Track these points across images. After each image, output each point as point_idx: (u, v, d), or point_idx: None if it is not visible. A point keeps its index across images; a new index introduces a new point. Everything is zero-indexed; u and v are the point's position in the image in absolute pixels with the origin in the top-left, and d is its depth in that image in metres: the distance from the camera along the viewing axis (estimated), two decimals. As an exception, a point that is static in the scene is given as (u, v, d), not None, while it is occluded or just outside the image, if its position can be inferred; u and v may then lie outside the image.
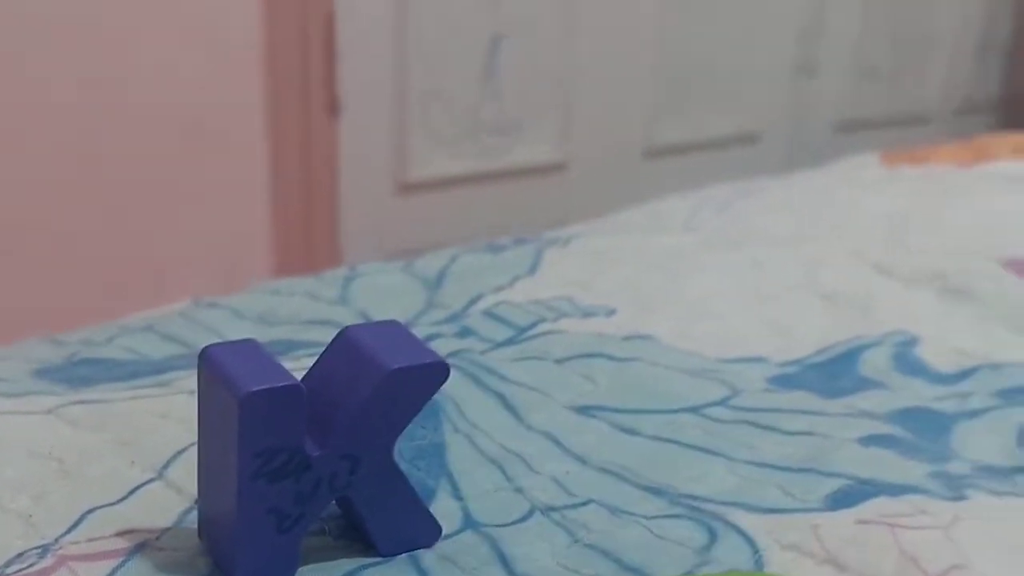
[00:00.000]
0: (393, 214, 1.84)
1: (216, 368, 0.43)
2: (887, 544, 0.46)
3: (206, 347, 0.44)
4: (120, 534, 0.44)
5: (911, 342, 0.68)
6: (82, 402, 0.54)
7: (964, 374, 0.65)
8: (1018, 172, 0.97)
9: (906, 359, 0.66)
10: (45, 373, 0.58)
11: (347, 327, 0.46)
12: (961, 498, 0.51)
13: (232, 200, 1.65)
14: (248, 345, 0.45)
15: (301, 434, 0.43)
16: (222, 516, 0.43)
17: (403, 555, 0.45)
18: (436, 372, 0.45)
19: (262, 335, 0.64)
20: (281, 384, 0.42)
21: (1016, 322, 0.71)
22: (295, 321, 0.66)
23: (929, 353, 0.67)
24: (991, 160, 1.03)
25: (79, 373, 0.59)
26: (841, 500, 0.50)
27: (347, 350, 0.46)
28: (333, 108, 1.71)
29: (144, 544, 0.44)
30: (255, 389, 0.42)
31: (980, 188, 0.93)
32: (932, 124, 2.49)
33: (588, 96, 1.98)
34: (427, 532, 0.46)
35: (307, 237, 1.74)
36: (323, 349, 0.47)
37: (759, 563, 0.46)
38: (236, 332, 0.65)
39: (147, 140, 1.51)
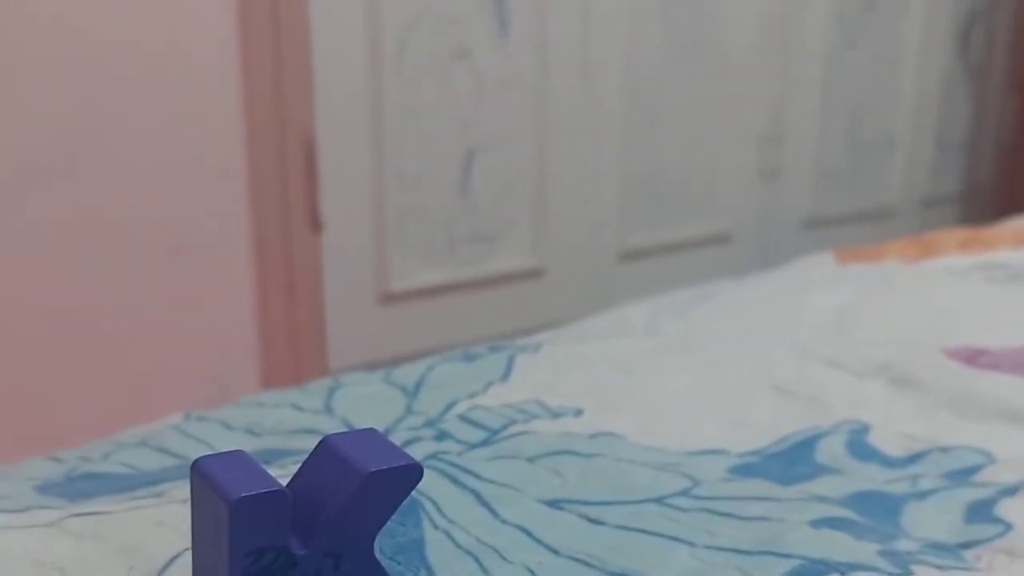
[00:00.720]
0: (377, 324, 1.88)
1: (207, 477, 0.46)
2: (836, 618, 0.49)
3: (197, 458, 0.47)
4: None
5: (863, 430, 0.72)
6: (81, 514, 0.57)
7: (914, 458, 0.69)
8: (961, 266, 1.02)
9: (859, 446, 0.70)
10: (46, 489, 0.61)
11: (327, 435, 0.50)
12: (907, 574, 0.54)
13: (219, 316, 1.68)
14: (236, 455, 0.48)
15: (287, 535, 0.46)
16: (216, 615, 0.46)
17: (386, 645, 0.48)
18: (410, 473, 0.48)
19: (250, 445, 0.67)
20: (267, 490, 0.45)
21: (961, 407, 0.74)
22: (281, 431, 0.69)
23: (880, 439, 0.71)
24: (938, 255, 1.07)
25: (78, 488, 0.62)
26: (794, 579, 0.53)
27: (328, 456, 0.49)
28: (315, 225, 1.75)
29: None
30: (243, 495, 0.45)
31: (925, 283, 0.98)
32: (896, 218, 2.55)
33: (562, 204, 2.04)
34: (408, 623, 0.49)
35: (293, 349, 1.77)
36: (303, 458, 0.50)
37: (719, 640, 0.49)
38: (225, 443, 0.68)
39: (136, 261, 1.55)
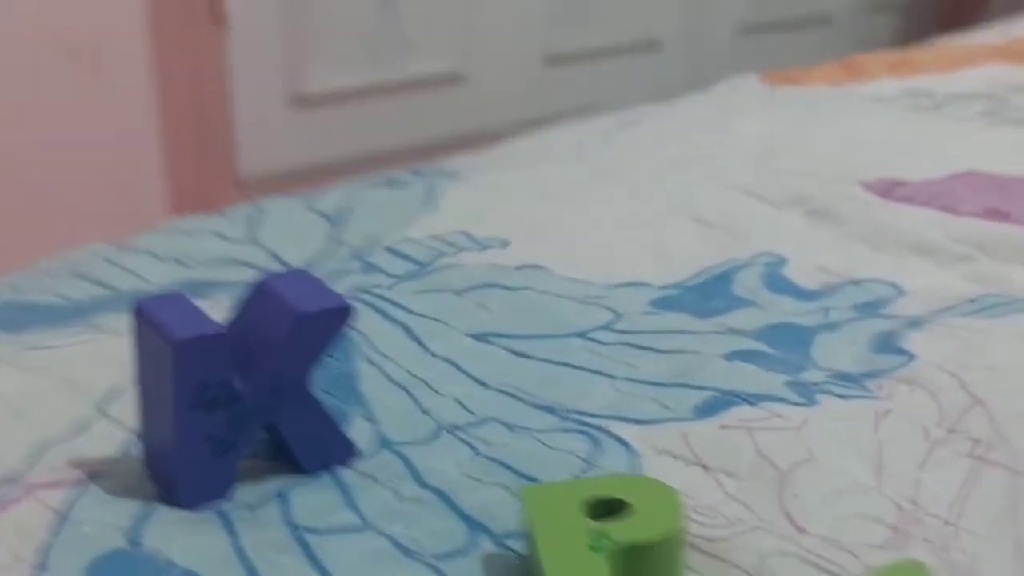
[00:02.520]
0: (289, 129, 1.89)
1: (150, 319, 0.51)
2: (745, 445, 0.57)
3: (139, 301, 0.52)
4: (75, 465, 0.53)
5: (779, 262, 0.78)
6: (23, 347, 0.62)
7: (827, 290, 0.76)
8: (887, 92, 1.07)
9: (775, 278, 0.77)
10: (-18, 320, 0.66)
11: (265, 277, 0.55)
12: (812, 403, 0.61)
13: (121, 121, 1.69)
14: (175, 298, 0.53)
15: (228, 371, 0.52)
16: (163, 445, 0.52)
17: (327, 473, 0.54)
18: (341, 313, 0.54)
19: (180, 275, 0.72)
20: (208, 332, 0.51)
21: (875, 240, 0.81)
22: (209, 262, 0.74)
23: (795, 272, 0.77)
24: (865, 79, 1.13)
25: (14, 319, 0.66)
26: (707, 410, 0.60)
27: (265, 297, 0.54)
28: (219, 20, 1.73)
29: (97, 473, 0.53)
30: (185, 337, 0.50)
31: (849, 110, 1.03)
32: (834, 25, 2.59)
33: (485, 4, 2.04)
34: (344, 451, 0.55)
35: (201, 154, 1.79)
36: (237, 288, 0.55)
37: (637, 467, 0.56)
38: (155, 273, 0.72)
39: (29, 67, 1.55)
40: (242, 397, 0.52)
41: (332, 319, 0.54)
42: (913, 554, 0.50)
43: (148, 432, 0.53)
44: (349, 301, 0.54)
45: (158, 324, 0.51)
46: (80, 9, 1.57)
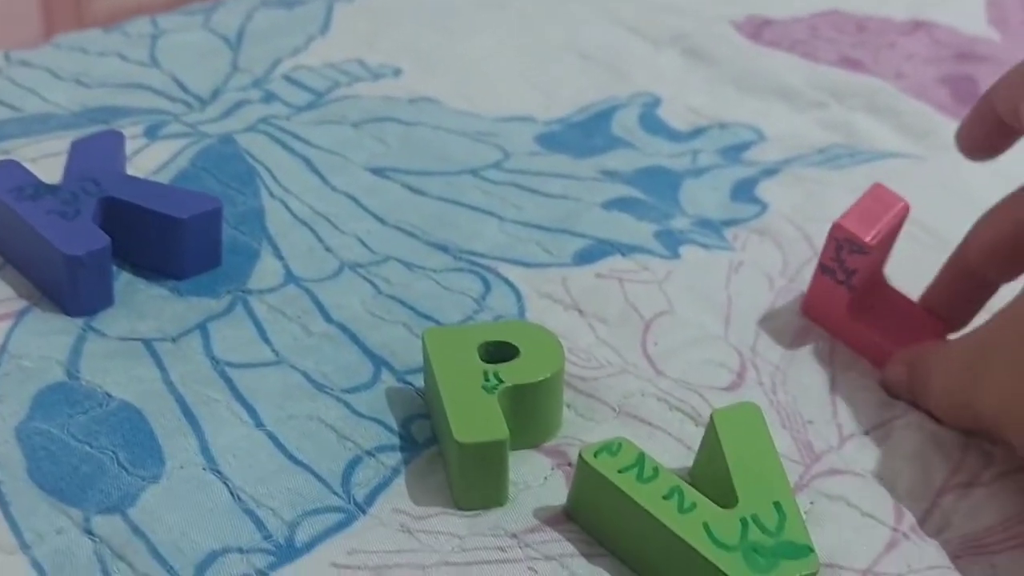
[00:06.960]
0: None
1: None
2: (616, 294, 0.64)
3: None
4: (3, 299, 0.58)
5: (655, 103, 0.85)
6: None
7: (696, 132, 0.83)
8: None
9: (650, 119, 0.83)
10: None
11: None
12: (676, 256, 0.68)
13: None
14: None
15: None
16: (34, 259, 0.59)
17: (240, 307, 0.60)
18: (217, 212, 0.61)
19: (81, 98, 0.75)
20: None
21: (743, 83, 0.88)
22: (110, 84, 0.77)
23: (669, 113, 0.84)
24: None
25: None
26: (584, 257, 0.67)
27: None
28: None
29: (26, 306, 0.57)
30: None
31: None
32: None
33: None
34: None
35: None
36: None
37: (522, 309, 0.63)
38: (56, 93, 0.75)
39: None
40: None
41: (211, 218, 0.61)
42: (748, 396, 0.59)
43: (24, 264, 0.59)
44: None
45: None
46: None
